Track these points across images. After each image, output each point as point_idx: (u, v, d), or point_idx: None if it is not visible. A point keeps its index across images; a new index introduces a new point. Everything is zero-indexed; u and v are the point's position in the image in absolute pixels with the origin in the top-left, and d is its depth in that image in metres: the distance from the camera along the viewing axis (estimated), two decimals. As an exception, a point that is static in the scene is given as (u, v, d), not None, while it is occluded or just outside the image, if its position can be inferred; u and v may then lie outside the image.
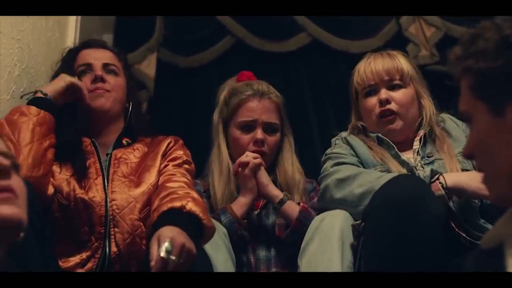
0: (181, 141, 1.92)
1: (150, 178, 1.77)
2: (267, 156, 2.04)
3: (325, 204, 1.84)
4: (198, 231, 1.51)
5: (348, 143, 1.95)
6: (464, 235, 1.65)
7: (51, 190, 1.67)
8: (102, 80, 1.85)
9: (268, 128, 2.06)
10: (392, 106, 1.91)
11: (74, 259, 1.65)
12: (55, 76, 1.88)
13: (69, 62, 1.90)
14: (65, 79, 1.79)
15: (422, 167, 1.82)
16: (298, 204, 1.92)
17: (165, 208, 1.53)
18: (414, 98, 1.95)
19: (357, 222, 1.66)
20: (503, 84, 0.92)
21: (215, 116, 2.14)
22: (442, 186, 1.66)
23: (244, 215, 1.90)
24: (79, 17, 2.39)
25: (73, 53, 1.94)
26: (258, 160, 1.94)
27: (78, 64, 1.89)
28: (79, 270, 1.64)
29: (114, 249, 1.66)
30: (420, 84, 1.98)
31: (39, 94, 1.73)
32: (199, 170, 2.05)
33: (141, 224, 1.70)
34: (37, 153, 1.61)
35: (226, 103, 2.11)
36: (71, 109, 1.81)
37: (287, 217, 1.91)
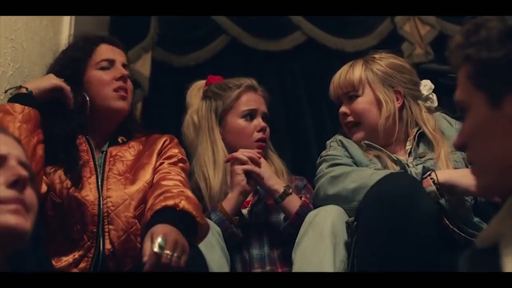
0: (176, 140, 1.92)
1: (146, 175, 1.77)
2: (267, 144, 2.12)
3: (320, 201, 1.85)
4: (192, 229, 1.51)
5: (342, 145, 1.97)
6: (458, 231, 1.66)
7: (44, 188, 1.66)
8: (126, 80, 1.83)
9: (265, 118, 2.14)
10: (350, 118, 1.99)
11: (67, 259, 1.64)
12: (58, 62, 1.86)
13: (87, 52, 1.85)
14: (52, 81, 1.75)
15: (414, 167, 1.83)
16: (300, 198, 1.92)
17: (158, 207, 1.53)
18: (371, 103, 1.96)
19: (351, 219, 1.67)
20: (503, 75, 0.91)
21: (201, 113, 2.14)
22: (433, 182, 1.67)
23: (234, 210, 1.89)
24: (73, 16, 2.38)
25: (91, 43, 1.88)
26: (255, 155, 1.94)
27: (101, 58, 1.84)
28: (73, 270, 1.63)
29: (108, 246, 1.66)
30: (385, 85, 1.97)
31: (22, 90, 1.71)
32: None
33: (136, 221, 1.69)
34: (26, 151, 1.60)
35: (218, 97, 2.13)
36: (73, 105, 1.78)
37: (287, 211, 1.91)
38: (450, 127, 1.96)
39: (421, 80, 2.06)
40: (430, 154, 1.88)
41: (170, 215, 1.48)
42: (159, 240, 1.33)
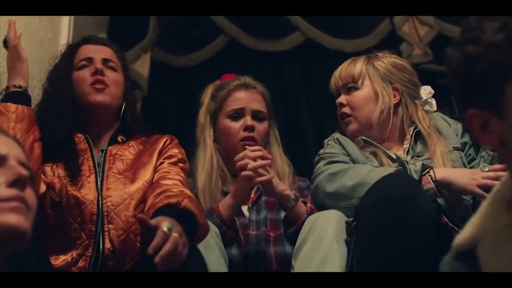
0: (176, 140, 1.93)
1: (146, 175, 1.77)
2: (257, 144, 2.04)
3: (319, 199, 1.86)
4: (192, 228, 1.51)
5: (339, 143, 1.99)
6: (458, 230, 1.66)
7: (43, 188, 1.67)
8: (102, 73, 1.83)
9: (256, 116, 2.09)
10: (346, 109, 2.01)
11: (65, 257, 1.64)
12: (52, 71, 1.88)
13: (69, 57, 1.89)
14: (19, 57, 1.77)
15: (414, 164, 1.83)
16: (305, 203, 1.89)
17: (161, 204, 1.53)
18: (369, 98, 1.98)
19: (350, 219, 1.67)
20: None
21: (201, 115, 2.16)
22: (431, 179, 1.68)
23: (231, 217, 1.85)
24: (72, 16, 2.38)
25: (73, 47, 1.94)
26: (265, 162, 1.82)
27: (79, 59, 1.87)
28: (72, 269, 1.63)
29: (108, 245, 1.66)
30: (385, 81, 1.98)
31: (12, 88, 1.72)
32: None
33: (136, 221, 1.69)
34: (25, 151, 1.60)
35: (213, 98, 2.14)
36: (64, 104, 1.80)
37: (294, 216, 1.85)
38: (448, 126, 1.97)
39: (422, 84, 2.07)
40: (428, 153, 1.89)
41: (172, 212, 1.48)
42: (166, 222, 1.32)
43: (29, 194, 0.98)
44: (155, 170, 1.79)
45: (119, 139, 1.86)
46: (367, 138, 1.95)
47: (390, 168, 1.78)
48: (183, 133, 2.59)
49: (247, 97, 2.09)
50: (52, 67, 1.92)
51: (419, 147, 1.94)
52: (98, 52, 1.89)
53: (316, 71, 2.97)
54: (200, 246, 1.55)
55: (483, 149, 1.83)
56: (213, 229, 1.74)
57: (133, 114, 1.94)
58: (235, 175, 2.01)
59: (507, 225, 0.92)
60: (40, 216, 1.57)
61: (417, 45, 2.96)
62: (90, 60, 1.86)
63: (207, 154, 2.06)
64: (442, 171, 1.72)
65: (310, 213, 1.84)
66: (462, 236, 0.99)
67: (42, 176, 1.68)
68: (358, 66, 2.01)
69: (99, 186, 1.72)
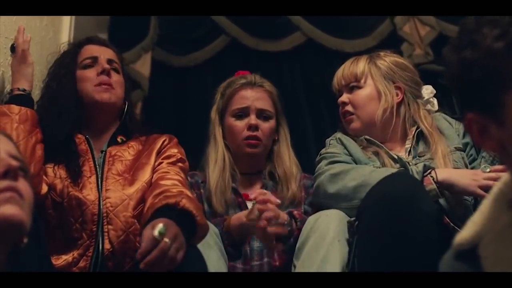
0: (175, 139, 1.93)
1: (144, 175, 1.77)
2: (262, 143, 2.06)
3: (320, 200, 1.86)
4: (191, 228, 1.51)
5: (341, 143, 1.98)
6: (459, 230, 1.65)
7: (44, 189, 1.67)
8: (109, 74, 1.84)
9: (262, 115, 2.08)
10: (349, 107, 2.01)
11: (67, 257, 1.65)
12: (55, 68, 1.89)
13: (72, 54, 1.90)
14: (25, 61, 1.79)
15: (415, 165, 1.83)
16: (291, 212, 1.87)
17: (159, 204, 1.54)
18: (371, 97, 1.98)
19: (352, 219, 1.67)
20: None
21: (212, 112, 2.16)
22: (433, 180, 1.68)
23: (239, 236, 1.82)
24: (73, 16, 2.38)
25: (77, 46, 1.94)
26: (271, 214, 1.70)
27: (84, 57, 1.88)
28: (73, 269, 1.64)
29: (107, 246, 1.66)
30: (387, 80, 1.98)
31: (16, 91, 1.72)
32: (193, 168, 2.05)
33: (135, 221, 1.69)
34: (25, 151, 1.60)
35: (221, 96, 2.15)
36: (66, 104, 1.80)
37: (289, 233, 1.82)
38: (450, 127, 1.97)
39: (424, 84, 2.07)
40: (429, 153, 1.88)
41: (171, 212, 1.49)
42: (160, 226, 1.33)
43: (22, 184, 0.98)
44: (153, 170, 1.79)
45: (118, 139, 1.87)
46: (370, 138, 1.95)
47: (392, 169, 1.78)
48: (184, 133, 2.60)
49: (252, 95, 2.09)
50: (53, 64, 1.92)
51: (421, 147, 1.93)
52: (103, 53, 1.90)
53: (317, 71, 2.97)
54: (200, 246, 1.55)
55: (484, 149, 1.83)
56: (213, 229, 1.74)
57: (132, 115, 1.94)
58: (244, 174, 2.06)
59: (509, 224, 0.92)
60: (41, 216, 1.58)
61: (418, 45, 2.96)
62: (95, 59, 1.87)
63: (218, 152, 2.06)
64: (444, 172, 1.72)
65: (301, 220, 1.84)
66: (463, 235, 0.98)
67: (44, 177, 1.68)
68: (361, 65, 2.01)
69: (99, 186, 1.72)
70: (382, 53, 2.05)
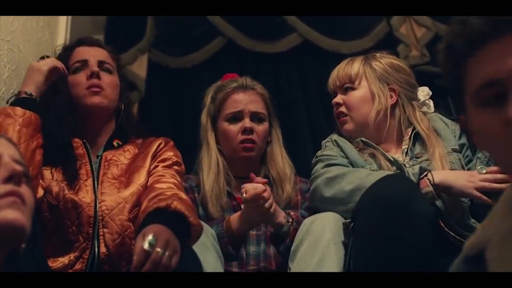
0: (171, 143, 1.92)
1: (140, 178, 1.77)
2: (257, 146, 2.06)
3: (316, 203, 1.86)
4: (185, 229, 1.50)
5: (337, 145, 1.98)
6: (453, 234, 1.66)
7: (40, 192, 1.67)
8: (98, 76, 1.83)
9: (255, 118, 2.09)
10: (343, 108, 2.01)
11: (63, 260, 1.64)
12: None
13: (63, 59, 1.89)
14: (41, 69, 1.76)
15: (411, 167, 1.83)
16: (288, 213, 1.88)
17: (151, 209, 1.53)
18: (365, 99, 1.98)
19: (348, 220, 1.67)
20: None
21: (203, 116, 2.16)
22: (430, 182, 1.68)
23: (240, 234, 1.84)
24: (70, 17, 2.38)
25: (68, 50, 1.93)
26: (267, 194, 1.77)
27: (74, 61, 1.87)
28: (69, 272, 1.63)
29: (103, 249, 1.66)
30: (381, 81, 1.98)
31: (23, 95, 1.72)
32: (189, 170, 2.05)
33: (131, 224, 1.69)
34: (25, 154, 1.60)
35: (213, 100, 2.14)
36: (62, 109, 1.80)
37: (285, 234, 1.85)
38: (446, 128, 1.97)
39: (419, 86, 2.07)
40: (426, 154, 1.88)
41: (162, 216, 1.48)
42: (149, 237, 1.32)
43: (24, 189, 0.98)
44: (149, 173, 1.78)
45: (114, 143, 1.86)
46: (366, 140, 1.95)
47: (388, 172, 1.78)
48: (180, 135, 2.60)
49: (245, 99, 2.09)
50: None
51: (417, 148, 1.93)
52: (93, 54, 1.89)
53: (314, 72, 2.97)
54: (196, 248, 1.55)
55: (479, 150, 1.83)
56: (209, 230, 1.74)
57: (129, 117, 1.94)
58: (238, 177, 2.05)
59: None
60: (38, 219, 1.58)
61: (414, 47, 2.96)
62: (85, 62, 1.86)
63: (212, 157, 2.06)
64: (440, 174, 1.72)
65: (297, 221, 1.84)
66: (471, 240, 0.99)
67: (40, 181, 1.68)
68: (355, 66, 2.01)
69: (96, 189, 1.72)
70: (378, 54, 2.05)
